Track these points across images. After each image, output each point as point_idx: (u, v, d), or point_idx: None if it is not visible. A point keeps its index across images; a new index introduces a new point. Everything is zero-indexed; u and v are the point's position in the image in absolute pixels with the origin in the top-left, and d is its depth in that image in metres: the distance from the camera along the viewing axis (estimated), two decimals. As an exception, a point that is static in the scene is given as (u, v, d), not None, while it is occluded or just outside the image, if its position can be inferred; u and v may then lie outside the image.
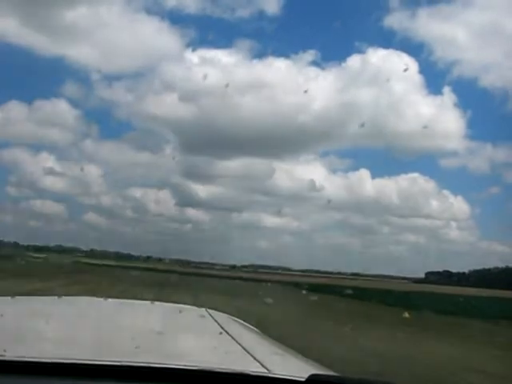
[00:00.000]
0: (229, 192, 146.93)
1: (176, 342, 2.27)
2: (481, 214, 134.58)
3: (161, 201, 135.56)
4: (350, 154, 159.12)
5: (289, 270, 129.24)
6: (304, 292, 39.95)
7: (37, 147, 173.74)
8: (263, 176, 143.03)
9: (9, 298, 3.09)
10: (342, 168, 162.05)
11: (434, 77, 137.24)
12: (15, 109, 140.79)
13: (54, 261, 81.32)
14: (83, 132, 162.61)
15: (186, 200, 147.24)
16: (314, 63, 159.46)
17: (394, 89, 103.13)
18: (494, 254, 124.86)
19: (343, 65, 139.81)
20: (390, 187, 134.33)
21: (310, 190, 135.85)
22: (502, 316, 27.72)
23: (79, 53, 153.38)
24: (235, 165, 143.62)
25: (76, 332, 2.24)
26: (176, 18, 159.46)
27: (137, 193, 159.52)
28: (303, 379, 1.61)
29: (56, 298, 3.57)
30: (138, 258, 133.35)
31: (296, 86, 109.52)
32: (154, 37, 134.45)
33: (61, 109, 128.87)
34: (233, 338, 2.29)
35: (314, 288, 46.81)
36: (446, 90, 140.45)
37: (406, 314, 25.72)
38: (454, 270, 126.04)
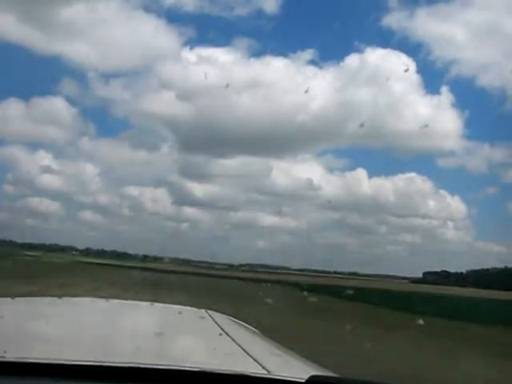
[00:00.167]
0: (226, 191, 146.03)
1: (176, 343, 2.24)
2: (478, 214, 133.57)
3: (158, 199, 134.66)
4: (348, 154, 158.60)
5: (286, 269, 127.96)
6: (305, 293, 37.76)
7: (34, 145, 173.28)
8: (261, 175, 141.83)
9: (9, 298, 2.99)
10: (340, 167, 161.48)
11: (432, 76, 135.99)
12: (12, 106, 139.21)
13: (46, 260, 78.72)
14: (80, 130, 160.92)
15: (183, 199, 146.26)
16: (313, 62, 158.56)
17: (391, 88, 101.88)
18: (490, 254, 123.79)
19: (341, 64, 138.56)
20: (387, 187, 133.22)
21: (308, 189, 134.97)
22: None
23: (76, 50, 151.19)
24: (233, 163, 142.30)
25: (76, 333, 2.19)
26: (174, 17, 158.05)
27: (134, 191, 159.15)
28: (303, 380, 1.62)
29: (56, 298, 3.43)
30: (134, 257, 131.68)
31: (294, 85, 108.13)
32: (151, 35, 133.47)
33: (58, 107, 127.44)
34: (233, 339, 2.25)
35: (315, 289, 44.67)
36: (444, 89, 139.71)
37: (421, 321, 23.52)
38: (451, 270, 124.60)
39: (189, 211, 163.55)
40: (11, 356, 1.59)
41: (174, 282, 39.69)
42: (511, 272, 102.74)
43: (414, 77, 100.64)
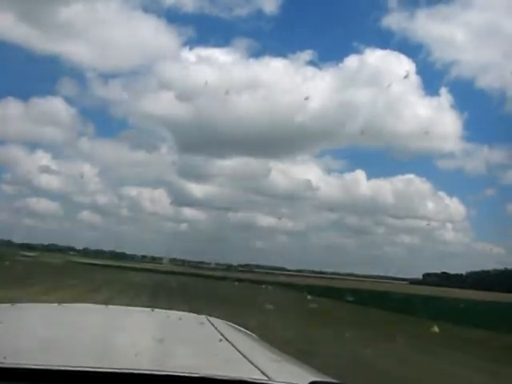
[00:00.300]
0: (225, 191, 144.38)
1: (176, 350, 2.22)
2: (477, 215, 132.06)
3: (156, 200, 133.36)
4: (347, 155, 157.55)
5: (284, 270, 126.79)
6: (309, 297, 35.91)
7: (32, 145, 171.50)
8: (259, 176, 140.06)
9: (8, 305, 2.99)
10: (339, 168, 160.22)
11: (432, 78, 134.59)
12: (10, 106, 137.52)
13: (41, 260, 76.82)
14: (79, 130, 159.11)
15: (182, 199, 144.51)
16: (312, 63, 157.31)
17: (391, 90, 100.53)
18: (490, 255, 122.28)
19: (341, 65, 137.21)
20: (386, 188, 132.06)
21: (306, 190, 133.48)
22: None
23: (75, 50, 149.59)
24: (231, 164, 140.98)
25: (76, 339, 2.17)
26: (173, 17, 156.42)
27: (132, 191, 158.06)
28: None
29: (56, 305, 3.36)
30: (133, 258, 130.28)
31: (293, 85, 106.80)
32: (150, 35, 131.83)
33: (56, 107, 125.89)
34: (233, 345, 2.25)
35: (318, 292, 42.65)
36: (444, 91, 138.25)
37: (436, 329, 21.73)
38: (451, 272, 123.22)
39: (187, 212, 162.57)
40: (11, 362, 1.58)
41: (170, 285, 37.71)
42: (511, 274, 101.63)
43: (413, 78, 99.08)
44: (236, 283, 57.33)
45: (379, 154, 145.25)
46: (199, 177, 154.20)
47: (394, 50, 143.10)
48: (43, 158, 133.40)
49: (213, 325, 2.81)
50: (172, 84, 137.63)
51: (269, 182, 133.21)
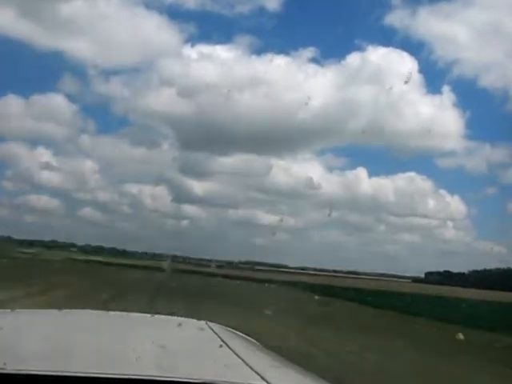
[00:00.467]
0: (226, 188, 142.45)
1: (176, 355, 2.15)
2: (479, 214, 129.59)
3: (157, 197, 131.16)
4: (348, 153, 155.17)
5: (285, 267, 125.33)
6: (316, 297, 33.64)
7: (33, 142, 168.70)
8: (260, 173, 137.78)
9: (9, 310, 3.00)
10: (340, 166, 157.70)
11: (434, 76, 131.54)
12: (11, 103, 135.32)
13: (40, 257, 74.59)
14: (80, 127, 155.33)
15: (183, 196, 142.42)
16: (314, 60, 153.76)
17: (393, 87, 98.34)
18: (493, 254, 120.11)
19: (343, 62, 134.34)
20: (387, 186, 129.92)
21: (308, 188, 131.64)
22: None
23: (77, 46, 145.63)
24: (232, 161, 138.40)
25: (76, 345, 2.13)
26: (175, 13, 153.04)
27: (133, 188, 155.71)
28: None
29: (56, 310, 3.25)
30: (133, 255, 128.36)
31: (295, 83, 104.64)
32: (152, 32, 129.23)
33: (58, 103, 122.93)
34: (233, 350, 2.23)
35: (324, 291, 40.33)
36: (446, 89, 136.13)
37: (461, 336, 19.53)
38: (453, 270, 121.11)
39: (188, 209, 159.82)
40: (11, 368, 1.58)
41: (169, 284, 35.37)
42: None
43: (415, 76, 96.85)
44: (238, 282, 54.89)
45: (381, 152, 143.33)
46: (200, 174, 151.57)
47: (397, 47, 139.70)
48: (44, 155, 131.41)
49: (213, 330, 2.73)
50: (174, 81, 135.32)
51: (270, 179, 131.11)
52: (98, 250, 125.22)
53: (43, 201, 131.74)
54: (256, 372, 1.83)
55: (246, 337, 2.98)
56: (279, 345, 7.16)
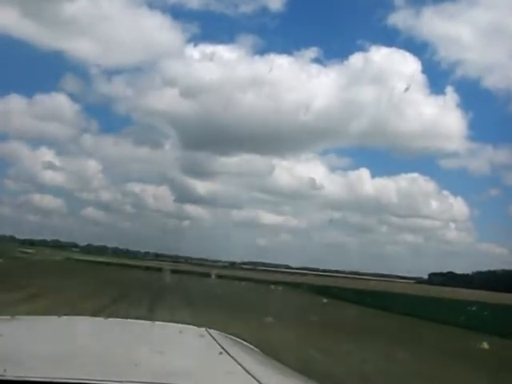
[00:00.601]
0: (228, 189, 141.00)
1: (176, 362, 2.12)
2: (481, 215, 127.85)
3: (160, 196, 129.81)
4: (351, 153, 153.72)
5: (288, 267, 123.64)
6: (325, 300, 31.57)
7: (36, 141, 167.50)
8: (263, 173, 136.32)
9: (8, 317, 2.89)
10: (343, 167, 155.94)
11: (437, 77, 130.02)
12: (14, 102, 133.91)
13: (39, 258, 72.53)
14: (83, 126, 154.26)
15: (186, 196, 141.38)
16: (317, 60, 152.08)
17: (395, 88, 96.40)
18: (496, 255, 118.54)
19: (346, 63, 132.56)
20: (390, 187, 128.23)
21: (310, 188, 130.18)
22: None
23: (80, 46, 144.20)
24: (235, 161, 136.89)
25: (76, 351, 2.09)
26: (178, 13, 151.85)
27: (136, 188, 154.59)
28: None
29: (56, 317, 3.17)
30: (136, 254, 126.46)
31: (298, 83, 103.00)
32: (155, 31, 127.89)
33: (60, 103, 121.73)
34: (233, 358, 2.18)
35: (330, 293, 38.21)
36: (449, 90, 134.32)
37: (485, 345, 17.53)
38: (457, 272, 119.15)
39: (191, 209, 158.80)
40: (11, 374, 1.57)
41: (170, 287, 33.30)
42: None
43: (418, 76, 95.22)
44: (243, 283, 52.76)
45: (383, 153, 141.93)
46: (203, 174, 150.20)
47: (400, 48, 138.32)
48: (47, 155, 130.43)
49: (213, 337, 2.70)
50: (176, 81, 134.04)
51: (273, 179, 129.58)
52: (101, 250, 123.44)
53: (46, 200, 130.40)
54: (256, 379, 1.80)
55: (246, 344, 2.85)
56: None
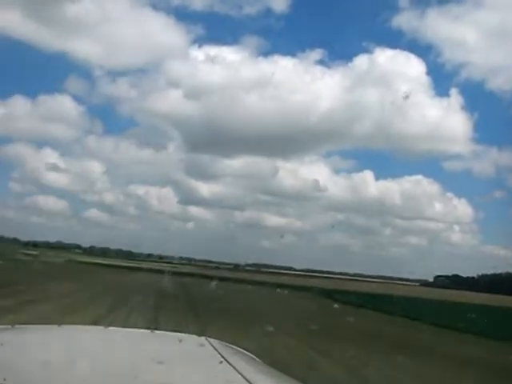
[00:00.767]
0: (232, 190, 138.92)
1: (176, 371, 2.12)
2: (485, 217, 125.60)
3: (163, 198, 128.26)
4: (355, 155, 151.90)
5: (291, 269, 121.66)
6: (336, 306, 29.35)
7: (40, 143, 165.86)
8: (267, 175, 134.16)
9: (8, 326, 2.84)
10: (346, 169, 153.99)
11: (442, 78, 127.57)
12: (18, 104, 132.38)
13: (40, 259, 70.39)
14: (87, 128, 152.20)
15: (189, 198, 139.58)
16: (321, 62, 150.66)
17: (400, 90, 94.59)
18: (502, 258, 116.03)
19: (350, 64, 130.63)
20: (394, 189, 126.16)
21: (314, 190, 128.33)
22: None
23: (83, 48, 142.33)
24: (239, 163, 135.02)
25: (76, 361, 2.10)
26: (182, 15, 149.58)
27: (139, 190, 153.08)
28: None
29: (56, 326, 3.04)
30: (139, 256, 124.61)
31: (302, 84, 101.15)
32: (159, 33, 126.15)
33: (64, 104, 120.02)
34: (233, 367, 2.18)
35: (341, 297, 35.95)
36: (453, 92, 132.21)
37: None
38: (462, 274, 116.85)
39: (194, 210, 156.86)
40: None
41: (171, 292, 31.11)
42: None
43: (423, 78, 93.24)
44: (250, 286, 50.48)
45: (387, 155, 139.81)
46: (206, 176, 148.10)
47: (404, 49, 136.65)
48: (51, 156, 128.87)
49: (213, 347, 2.67)
50: (180, 82, 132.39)
51: (276, 181, 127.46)
52: (104, 252, 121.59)
53: (49, 202, 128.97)
54: None
55: (247, 353, 2.79)
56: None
